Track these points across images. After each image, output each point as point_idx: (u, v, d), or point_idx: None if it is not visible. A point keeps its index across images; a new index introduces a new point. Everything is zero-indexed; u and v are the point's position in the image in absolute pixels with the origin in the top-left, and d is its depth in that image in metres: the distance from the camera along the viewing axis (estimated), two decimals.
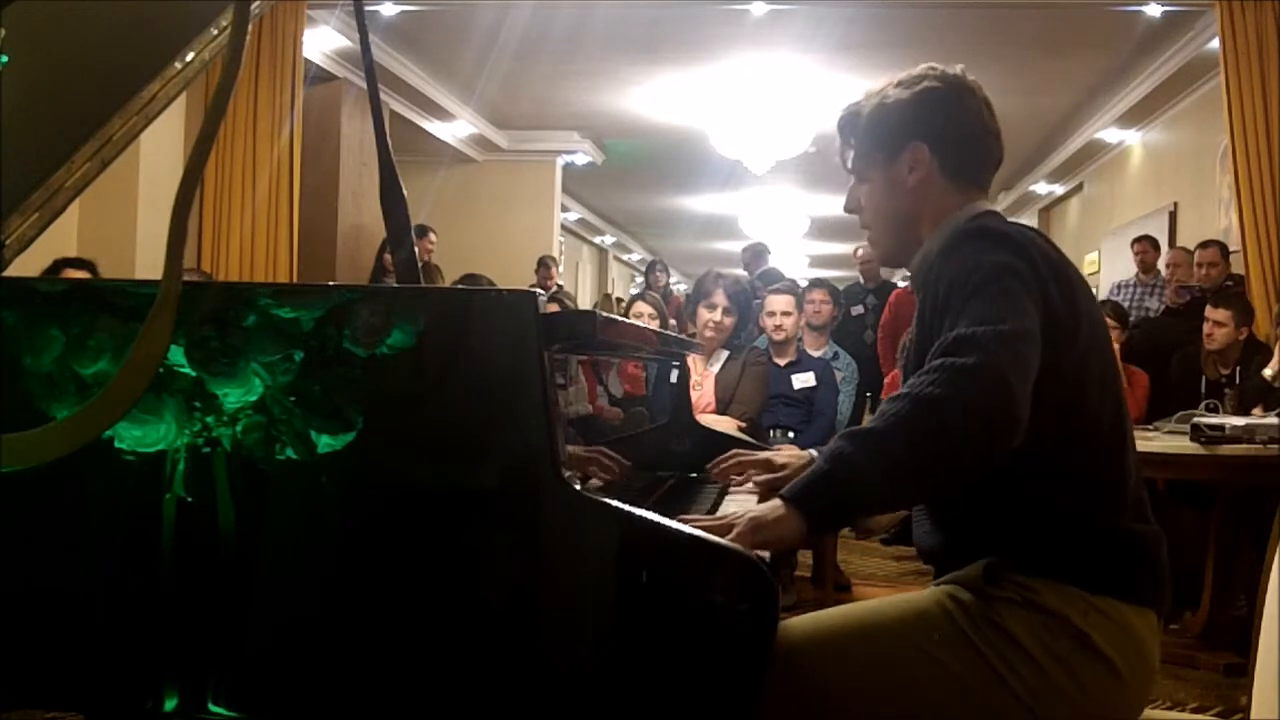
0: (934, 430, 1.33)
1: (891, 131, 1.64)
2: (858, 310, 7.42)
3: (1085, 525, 1.48)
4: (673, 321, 5.69)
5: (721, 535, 1.34)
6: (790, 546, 1.52)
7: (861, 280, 7.76)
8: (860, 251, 7.96)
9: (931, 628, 1.46)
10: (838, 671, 1.45)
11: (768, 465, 1.92)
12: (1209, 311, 4.96)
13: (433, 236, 7.51)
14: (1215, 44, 5.74)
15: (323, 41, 6.84)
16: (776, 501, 1.39)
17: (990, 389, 1.33)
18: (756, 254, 8.85)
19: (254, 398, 1.39)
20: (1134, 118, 8.41)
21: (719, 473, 1.99)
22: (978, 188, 1.67)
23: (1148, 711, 1.57)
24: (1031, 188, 11.65)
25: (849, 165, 1.71)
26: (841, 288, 7.18)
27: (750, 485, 1.92)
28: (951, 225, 1.61)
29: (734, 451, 2.01)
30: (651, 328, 3.90)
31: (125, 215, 5.66)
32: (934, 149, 1.63)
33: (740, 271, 7.93)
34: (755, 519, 1.38)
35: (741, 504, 1.74)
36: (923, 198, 1.64)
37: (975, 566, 1.48)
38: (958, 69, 1.67)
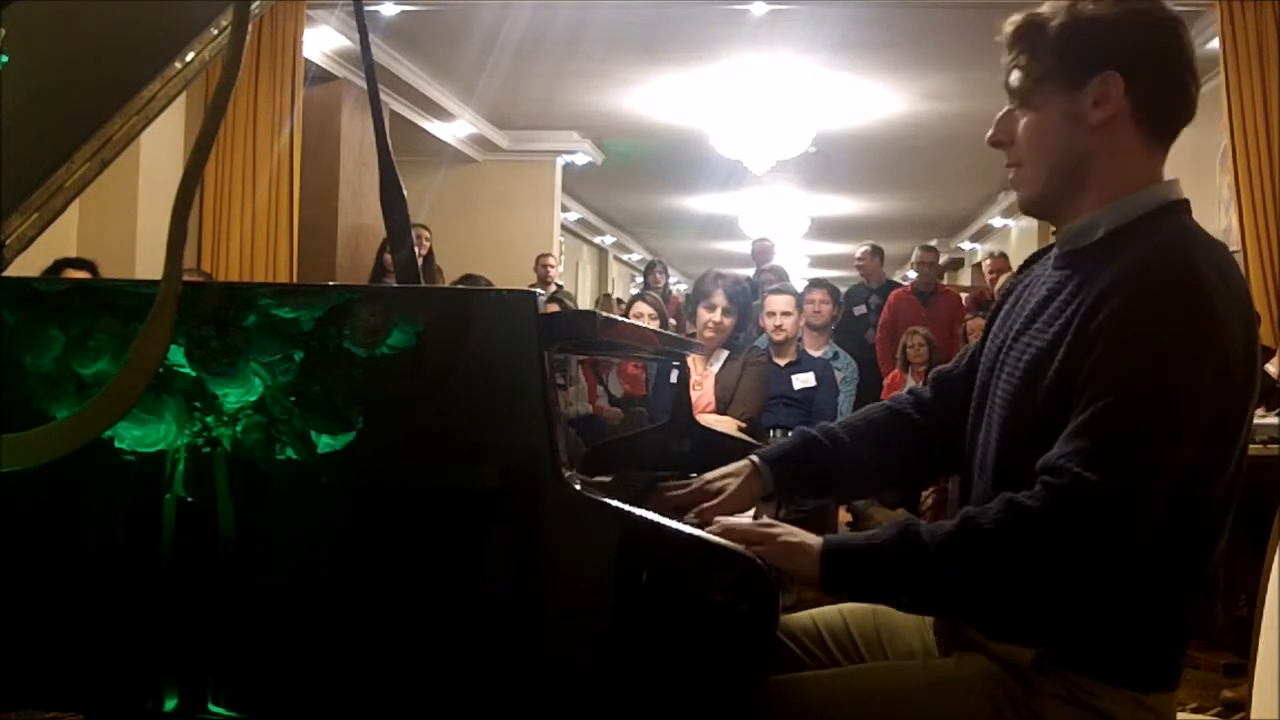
0: (980, 580, 1.28)
1: (1082, 52, 1.36)
2: (860, 310, 7.43)
3: (1162, 629, 1.35)
4: (673, 321, 5.68)
5: (751, 543, 1.32)
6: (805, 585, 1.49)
7: (865, 281, 7.77)
8: (861, 253, 7.95)
9: (970, 707, 1.37)
10: None
11: (710, 499, 1.60)
12: None
13: (425, 233, 7.43)
14: (1215, 44, 5.74)
15: (323, 41, 6.83)
16: (816, 543, 1.33)
17: (1054, 563, 1.24)
18: (761, 250, 8.82)
19: (254, 398, 1.39)
20: None
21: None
22: (1165, 147, 1.41)
23: None
24: None
25: (1012, 84, 1.43)
26: (845, 288, 7.17)
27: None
28: (1134, 208, 1.37)
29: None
30: (651, 328, 3.90)
31: (125, 215, 5.65)
32: (1131, 84, 1.34)
33: (740, 271, 7.93)
34: (791, 545, 1.33)
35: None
36: (1103, 143, 1.37)
37: (1021, 653, 1.36)
38: None
